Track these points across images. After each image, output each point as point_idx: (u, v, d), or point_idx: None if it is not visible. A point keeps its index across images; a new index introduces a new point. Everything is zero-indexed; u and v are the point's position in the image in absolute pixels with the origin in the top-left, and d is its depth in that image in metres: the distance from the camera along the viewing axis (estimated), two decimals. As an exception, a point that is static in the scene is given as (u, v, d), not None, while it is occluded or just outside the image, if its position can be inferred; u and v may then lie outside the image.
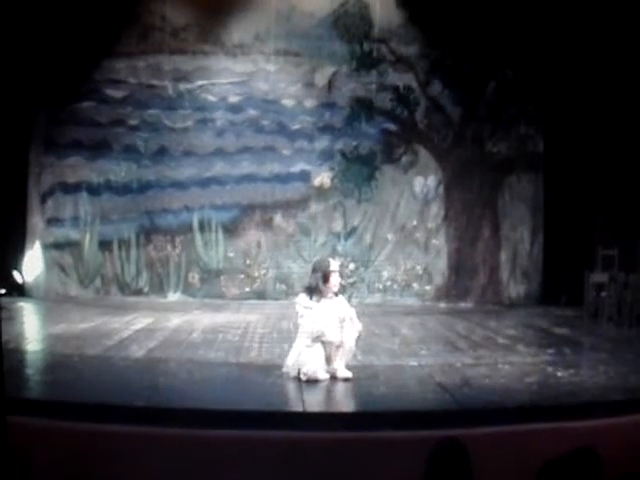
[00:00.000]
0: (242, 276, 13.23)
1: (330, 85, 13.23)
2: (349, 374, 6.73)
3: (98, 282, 13.21)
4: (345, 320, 6.75)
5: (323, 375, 6.66)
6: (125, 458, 5.01)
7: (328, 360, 6.72)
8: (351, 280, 12.88)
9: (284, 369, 6.86)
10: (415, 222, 13.36)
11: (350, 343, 6.80)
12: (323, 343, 6.72)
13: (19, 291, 12.84)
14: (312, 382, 6.58)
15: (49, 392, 6.34)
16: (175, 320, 10.73)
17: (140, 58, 13.10)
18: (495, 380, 6.84)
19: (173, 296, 13.18)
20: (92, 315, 10.94)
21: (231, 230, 13.23)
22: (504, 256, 13.37)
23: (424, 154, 13.35)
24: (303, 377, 6.64)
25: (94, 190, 13.16)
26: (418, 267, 13.34)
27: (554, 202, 12.95)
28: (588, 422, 5.49)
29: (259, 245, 13.24)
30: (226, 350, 8.37)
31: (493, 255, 13.36)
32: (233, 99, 13.22)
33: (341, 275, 7.12)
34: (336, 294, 6.89)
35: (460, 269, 13.31)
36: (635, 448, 5.16)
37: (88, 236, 13.13)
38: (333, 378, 6.69)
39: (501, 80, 13.24)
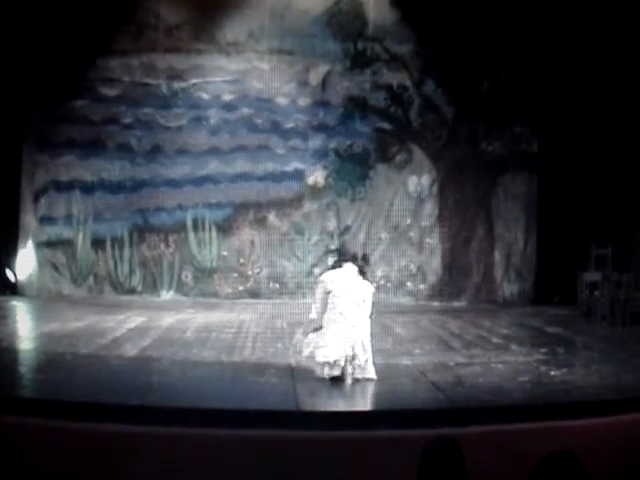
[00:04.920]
0: (236, 275, 13.21)
1: (324, 84, 13.22)
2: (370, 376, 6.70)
3: (91, 281, 13.17)
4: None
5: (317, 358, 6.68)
6: (118, 457, 5.01)
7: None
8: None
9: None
10: (409, 221, 13.35)
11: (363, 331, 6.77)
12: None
13: (12, 290, 12.79)
14: (306, 380, 6.58)
15: (42, 391, 6.32)
16: (168, 319, 10.72)
17: (134, 56, 13.06)
18: (488, 379, 6.85)
19: (166, 295, 13.15)
20: (85, 314, 10.92)
21: (225, 229, 13.21)
22: (498, 255, 13.36)
23: (418, 153, 13.34)
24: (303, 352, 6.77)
25: (87, 188, 13.12)
26: (412, 266, 13.34)
27: (548, 201, 12.94)
28: (581, 421, 5.50)
29: (253, 244, 13.21)
30: (219, 349, 8.38)
31: (487, 254, 13.35)
32: (227, 97, 13.19)
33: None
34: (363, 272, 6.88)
35: (454, 268, 13.30)
36: (628, 447, 5.17)
37: (81, 235, 13.09)
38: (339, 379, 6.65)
39: (495, 80, 13.22)
